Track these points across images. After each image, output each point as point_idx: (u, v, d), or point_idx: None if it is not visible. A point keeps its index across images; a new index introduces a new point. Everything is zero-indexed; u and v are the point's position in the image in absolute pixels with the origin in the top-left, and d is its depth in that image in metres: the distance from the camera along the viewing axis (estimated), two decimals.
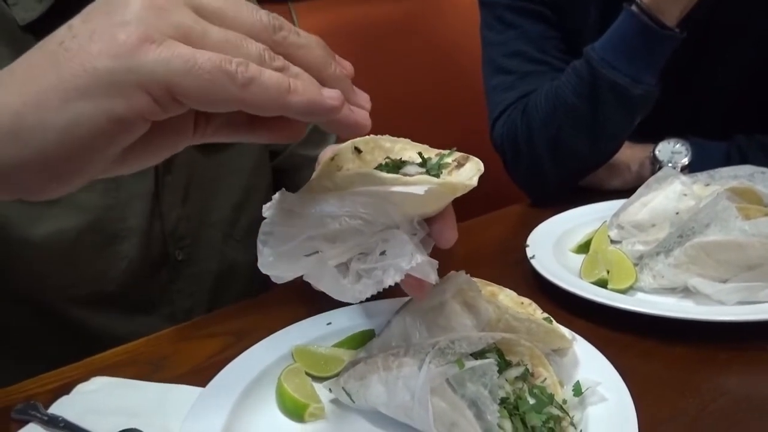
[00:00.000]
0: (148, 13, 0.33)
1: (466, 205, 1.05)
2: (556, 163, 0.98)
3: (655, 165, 0.93)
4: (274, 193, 0.88)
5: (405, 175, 0.47)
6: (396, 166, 0.49)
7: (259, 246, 0.45)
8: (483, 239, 0.92)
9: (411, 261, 0.44)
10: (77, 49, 0.33)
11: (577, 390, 0.49)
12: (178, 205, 0.83)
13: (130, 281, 0.80)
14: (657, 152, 0.94)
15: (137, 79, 0.32)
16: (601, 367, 0.52)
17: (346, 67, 0.40)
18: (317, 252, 0.45)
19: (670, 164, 0.91)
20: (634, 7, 0.86)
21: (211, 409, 0.52)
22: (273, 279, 0.46)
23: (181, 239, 0.84)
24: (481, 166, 0.47)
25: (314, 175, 0.47)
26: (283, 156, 0.95)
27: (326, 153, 0.55)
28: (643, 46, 0.87)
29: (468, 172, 0.47)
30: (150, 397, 0.60)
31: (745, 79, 0.97)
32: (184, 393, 0.60)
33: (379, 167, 0.49)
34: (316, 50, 0.38)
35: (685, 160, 0.91)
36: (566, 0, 1.01)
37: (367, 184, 0.43)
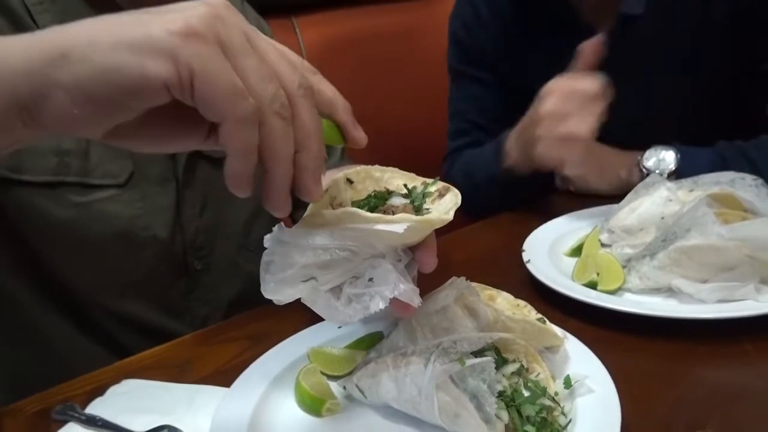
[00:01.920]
0: (208, 16, 0.40)
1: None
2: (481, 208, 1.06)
3: (643, 172, 0.98)
4: None
5: (391, 206, 0.52)
6: (383, 197, 0.54)
7: (262, 273, 0.50)
8: (482, 245, 0.97)
9: (394, 290, 0.49)
10: (148, 19, 0.40)
11: (567, 383, 0.54)
12: (196, 218, 0.88)
13: (152, 289, 0.86)
14: (644, 159, 0.99)
15: (176, 55, 0.38)
16: (589, 362, 0.57)
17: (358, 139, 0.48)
18: (312, 278, 0.51)
19: (656, 171, 0.96)
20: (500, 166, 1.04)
21: (238, 407, 0.58)
22: (274, 302, 0.52)
23: (199, 250, 0.89)
24: (459, 199, 0.52)
25: (308, 209, 0.51)
26: None
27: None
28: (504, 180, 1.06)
29: (447, 204, 0.52)
30: (179, 397, 0.65)
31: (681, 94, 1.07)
32: (210, 393, 0.65)
33: (369, 198, 0.54)
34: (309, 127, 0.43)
35: (672, 167, 0.96)
36: (507, 65, 1.09)
37: (354, 222, 0.48)
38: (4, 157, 0.44)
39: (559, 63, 0.96)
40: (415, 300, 0.50)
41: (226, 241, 0.92)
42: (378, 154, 1.66)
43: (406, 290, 0.49)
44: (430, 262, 0.52)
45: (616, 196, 0.91)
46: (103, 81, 0.39)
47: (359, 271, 0.51)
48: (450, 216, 0.50)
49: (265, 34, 1.04)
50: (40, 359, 0.83)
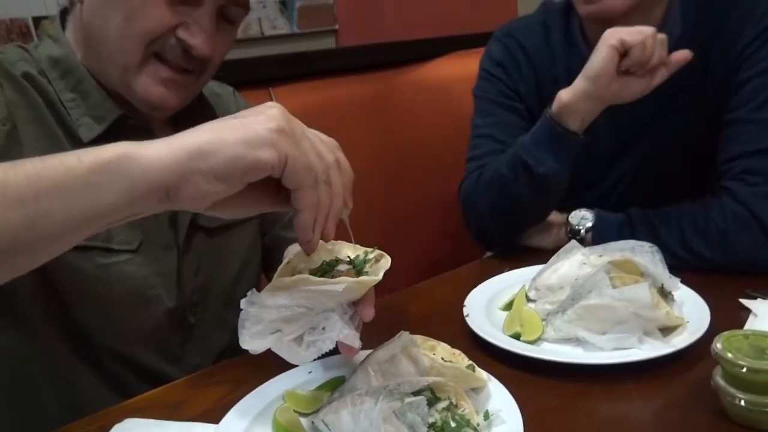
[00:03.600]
0: (283, 116, 0.60)
1: (429, 263, 1.24)
2: (493, 222, 1.23)
3: (569, 228, 1.16)
4: (263, 269, 1.12)
5: (338, 271, 0.69)
6: (333, 265, 0.71)
7: (239, 329, 0.67)
8: (430, 300, 1.11)
9: (340, 334, 0.66)
10: (249, 122, 0.59)
11: (486, 416, 0.69)
12: (192, 279, 1.02)
13: (154, 339, 0.98)
14: (570, 218, 1.17)
15: (277, 146, 0.58)
16: (505, 400, 0.72)
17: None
18: (279, 331, 0.67)
19: (579, 227, 1.15)
20: (547, 112, 1.11)
21: None
22: (250, 351, 0.68)
23: (194, 306, 1.02)
24: (389, 263, 0.70)
25: (274, 276, 0.68)
26: (270, 237, 1.15)
27: (288, 254, 0.78)
28: (549, 140, 1.12)
29: (380, 268, 0.70)
30: None
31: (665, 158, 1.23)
32: (201, 429, 0.77)
33: (321, 266, 0.71)
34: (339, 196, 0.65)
35: (589, 224, 1.14)
36: (536, 102, 1.26)
37: (306, 285, 0.65)
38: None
39: None
40: (356, 343, 0.68)
41: (216, 298, 1.05)
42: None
43: (348, 335, 0.66)
44: (368, 313, 0.70)
45: (549, 250, 1.07)
46: (231, 166, 0.58)
47: (315, 323, 0.68)
48: (380, 277, 0.68)
49: None
50: (57, 397, 0.95)
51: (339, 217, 0.66)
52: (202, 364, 1.04)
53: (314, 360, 0.70)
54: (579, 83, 1.07)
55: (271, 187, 0.63)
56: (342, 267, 0.70)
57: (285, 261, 0.69)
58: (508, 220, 1.23)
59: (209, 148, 0.57)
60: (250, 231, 1.10)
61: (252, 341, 0.66)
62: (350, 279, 0.65)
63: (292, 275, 0.68)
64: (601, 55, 1.03)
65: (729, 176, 1.08)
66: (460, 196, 1.31)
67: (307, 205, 0.62)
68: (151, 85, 0.90)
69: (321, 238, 0.66)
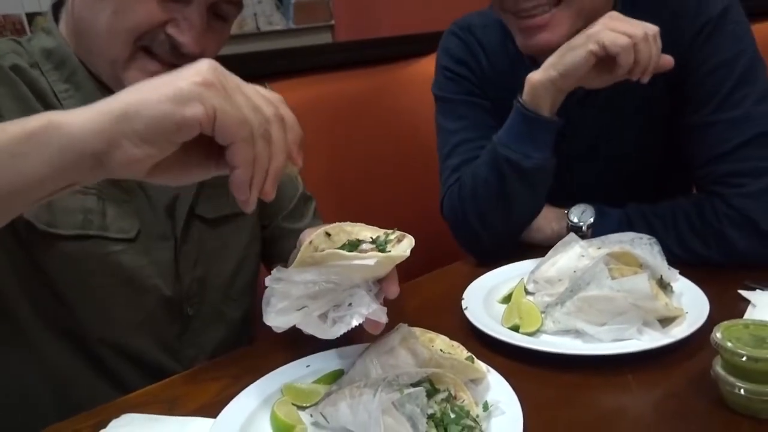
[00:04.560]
0: (211, 68, 0.58)
1: (428, 258, 1.24)
2: (486, 232, 1.18)
3: (568, 224, 1.14)
4: (262, 260, 1.12)
5: (361, 251, 0.68)
6: (354, 245, 0.71)
7: (264, 306, 0.66)
8: (430, 293, 1.11)
9: (368, 308, 0.66)
10: (173, 78, 0.57)
11: (485, 407, 0.69)
12: (191, 270, 1.01)
13: (151, 330, 0.98)
14: (570, 214, 1.16)
15: (203, 100, 0.56)
16: (504, 391, 0.72)
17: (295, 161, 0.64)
18: (305, 307, 0.66)
19: (580, 223, 1.13)
20: (518, 102, 1.09)
21: None
22: (274, 329, 0.67)
23: (192, 298, 1.02)
24: (413, 242, 0.70)
25: (299, 254, 0.68)
26: (270, 228, 1.15)
27: (305, 237, 0.76)
28: (526, 130, 1.09)
29: (404, 246, 0.69)
30: (172, 428, 0.77)
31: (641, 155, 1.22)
32: (198, 423, 0.76)
33: (344, 246, 0.70)
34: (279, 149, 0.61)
35: (590, 220, 1.13)
36: (504, 99, 1.21)
37: (336, 260, 0.65)
38: (41, 207, 0.60)
39: None
40: (383, 318, 0.67)
41: (214, 291, 1.05)
42: (340, 208, 1.85)
43: (376, 309, 0.66)
44: (393, 290, 0.70)
45: (545, 246, 1.06)
46: (156, 126, 0.56)
47: (340, 300, 0.67)
48: (407, 253, 0.68)
49: None
50: (50, 395, 0.94)
51: (281, 175, 0.62)
52: (198, 356, 1.03)
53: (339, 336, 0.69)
54: (548, 71, 1.04)
55: (213, 147, 0.60)
56: (365, 246, 0.69)
57: (307, 242, 0.69)
58: (500, 228, 1.18)
59: (132, 109, 0.55)
60: (249, 223, 1.10)
61: (277, 318, 0.66)
62: (381, 254, 0.65)
63: None
64: (575, 56, 0.99)
65: (711, 180, 1.06)
66: (443, 213, 1.25)
67: (241, 160, 0.58)
68: (140, 79, 0.89)
69: (260, 197, 0.62)
